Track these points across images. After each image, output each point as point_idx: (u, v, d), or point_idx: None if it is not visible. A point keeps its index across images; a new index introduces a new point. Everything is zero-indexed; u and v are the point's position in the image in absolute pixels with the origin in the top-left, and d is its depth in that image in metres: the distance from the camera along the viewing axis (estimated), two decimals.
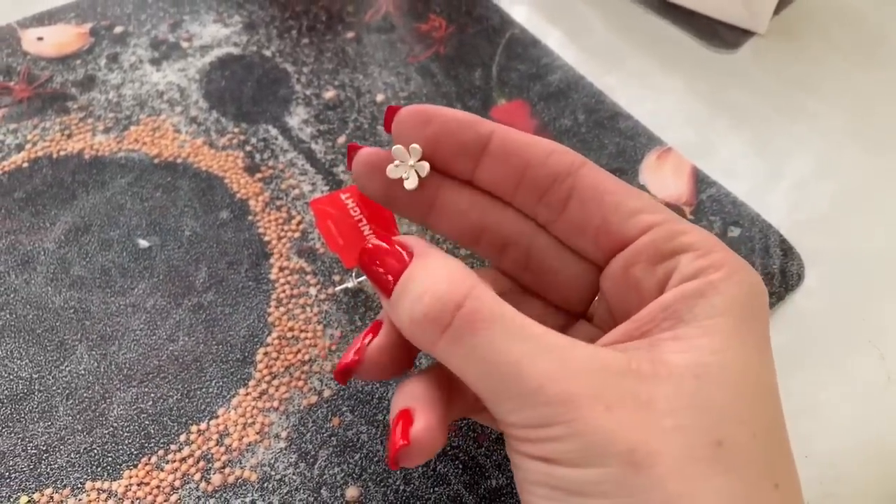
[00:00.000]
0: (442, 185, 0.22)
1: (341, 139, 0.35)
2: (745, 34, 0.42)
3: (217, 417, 0.27)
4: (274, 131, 0.36)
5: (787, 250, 0.33)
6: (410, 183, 0.22)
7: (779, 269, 0.32)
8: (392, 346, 0.21)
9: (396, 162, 0.22)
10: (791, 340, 0.31)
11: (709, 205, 0.34)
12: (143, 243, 0.31)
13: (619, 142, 0.36)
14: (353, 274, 0.30)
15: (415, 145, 0.22)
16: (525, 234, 0.22)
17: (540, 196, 0.22)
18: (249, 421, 0.27)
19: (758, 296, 0.20)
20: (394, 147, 0.22)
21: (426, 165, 0.22)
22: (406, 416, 0.19)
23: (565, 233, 0.22)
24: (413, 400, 0.20)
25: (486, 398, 0.18)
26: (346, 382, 0.21)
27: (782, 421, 0.19)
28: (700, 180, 0.35)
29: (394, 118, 0.22)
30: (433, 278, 0.19)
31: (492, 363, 0.18)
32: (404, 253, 0.20)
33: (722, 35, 0.41)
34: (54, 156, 0.34)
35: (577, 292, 0.23)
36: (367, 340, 0.21)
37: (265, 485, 0.26)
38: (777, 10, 0.41)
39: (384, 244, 0.20)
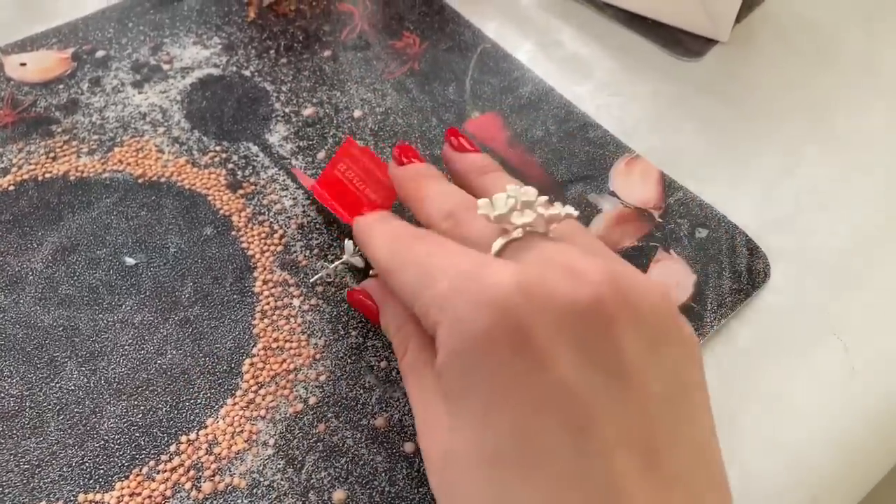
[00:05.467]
0: None
1: (321, 154, 0.36)
2: (709, 42, 0.43)
3: (206, 427, 0.28)
4: (255, 149, 0.37)
5: (753, 249, 0.34)
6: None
7: (745, 268, 0.33)
8: None
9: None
10: (759, 335, 0.32)
11: (676, 208, 0.35)
12: (130, 261, 0.32)
13: (588, 150, 0.37)
14: (328, 264, 0.32)
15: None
16: None
17: None
18: (237, 430, 0.28)
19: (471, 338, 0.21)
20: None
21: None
22: None
23: None
24: None
25: None
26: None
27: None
28: (667, 185, 0.36)
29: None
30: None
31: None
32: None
33: (686, 44, 0.43)
34: (40, 178, 0.35)
35: None
36: None
37: (254, 491, 0.26)
38: (738, 19, 0.43)
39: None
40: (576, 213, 0.24)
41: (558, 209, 0.24)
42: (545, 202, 0.24)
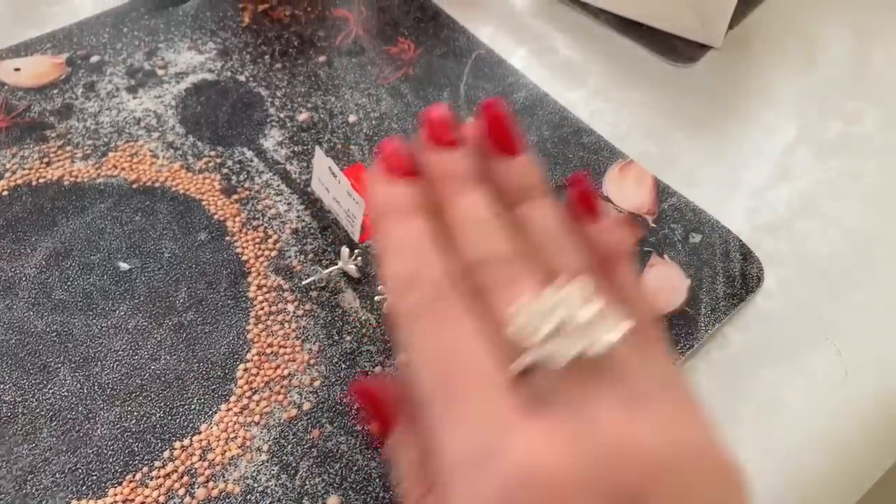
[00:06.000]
0: None
1: None
2: (702, 48, 0.43)
3: (200, 433, 0.28)
4: (249, 154, 0.37)
5: (747, 254, 0.34)
6: None
7: (739, 273, 0.33)
8: None
9: None
10: (752, 340, 0.32)
11: (670, 213, 0.35)
12: (124, 266, 0.32)
13: (583, 156, 0.37)
14: (322, 269, 0.32)
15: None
16: None
17: None
18: (231, 435, 0.28)
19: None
20: None
21: None
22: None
23: None
24: None
25: None
26: None
27: None
28: (661, 190, 0.36)
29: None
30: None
31: None
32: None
33: (680, 50, 0.43)
34: (34, 183, 0.35)
35: None
36: None
37: (248, 497, 0.26)
38: (731, 25, 0.43)
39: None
40: (629, 324, 0.19)
41: (611, 331, 0.19)
42: (598, 312, 0.19)
